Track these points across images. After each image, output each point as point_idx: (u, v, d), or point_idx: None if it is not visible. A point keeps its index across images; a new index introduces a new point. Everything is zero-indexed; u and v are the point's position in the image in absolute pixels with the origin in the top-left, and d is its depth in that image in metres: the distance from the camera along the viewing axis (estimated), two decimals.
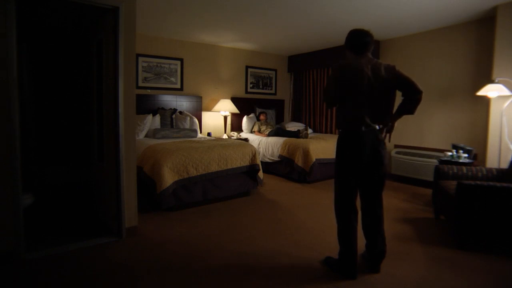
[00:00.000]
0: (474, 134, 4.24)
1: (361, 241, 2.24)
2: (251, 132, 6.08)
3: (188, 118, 5.25)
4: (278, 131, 5.57)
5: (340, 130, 2.19)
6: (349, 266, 2.13)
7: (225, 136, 5.67)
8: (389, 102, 2.13)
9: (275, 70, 6.86)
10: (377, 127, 2.11)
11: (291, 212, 3.49)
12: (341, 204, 2.18)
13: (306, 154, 4.66)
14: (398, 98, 2.19)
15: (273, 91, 6.90)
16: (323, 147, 4.88)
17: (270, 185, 4.71)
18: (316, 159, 4.68)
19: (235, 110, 5.81)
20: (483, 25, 4.09)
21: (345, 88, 2.08)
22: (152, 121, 4.94)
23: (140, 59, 5.14)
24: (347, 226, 2.15)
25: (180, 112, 5.40)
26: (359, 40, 2.11)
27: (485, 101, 3.92)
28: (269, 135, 5.59)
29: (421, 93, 2.08)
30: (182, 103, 5.56)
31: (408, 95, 2.13)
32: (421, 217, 3.39)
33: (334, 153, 2.27)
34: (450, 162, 3.64)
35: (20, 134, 2.34)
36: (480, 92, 3.57)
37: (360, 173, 2.13)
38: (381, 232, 2.20)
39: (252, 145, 4.10)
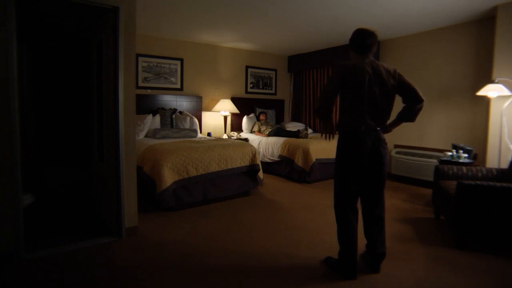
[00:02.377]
0: (474, 134, 4.24)
1: (361, 241, 2.24)
2: (251, 132, 6.08)
3: (188, 118, 5.25)
4: (278, 131, 5.57)
5: (340, 131, 2.19)
6: (349, 266, 2.13)
7: (225, 136, 5.67)
8: (389, 104, 2.12)
9: (275, 70, 6.86)
10: (378, 128, 2.11)
11: (291, 212, 3.49)
12: (341, 204, 2.18)
13: (306, 154, 4.66)
14: (398, 101, 2.20)
15: (273, 91, 6.90)
16: (323, 147, 4.88)
17: (270, 185, 4.70)
18: (316, 159, 4.68)
19: (235, 110, 5.81)
20: (483, 25, 4.09)
21: (346, 88, 2.07)
22: (152, 121, 4.94)
23: (140, 59, 5.14)
24: (347, 226, 2.15)
25: (180, 112, 5.40)
26: (363, 40, 2.10)
27: (485, 101, 3.92)
28: (269, 135, 5.59)
29: (423, 102, 2.09)
30: (182, 103, 5.56)
31: (409, 103, 2.14)
32: (421, 217, 3.39)
33: (334, 153, 2.27)
34: (450, 162, 3.64)
35: (20, 134, 2.33)
36: (480, 92, 3.57)
37: (360, 173, 2.13)
38: (382, 233, 2.20)
39: (252, 145, 4.10)
